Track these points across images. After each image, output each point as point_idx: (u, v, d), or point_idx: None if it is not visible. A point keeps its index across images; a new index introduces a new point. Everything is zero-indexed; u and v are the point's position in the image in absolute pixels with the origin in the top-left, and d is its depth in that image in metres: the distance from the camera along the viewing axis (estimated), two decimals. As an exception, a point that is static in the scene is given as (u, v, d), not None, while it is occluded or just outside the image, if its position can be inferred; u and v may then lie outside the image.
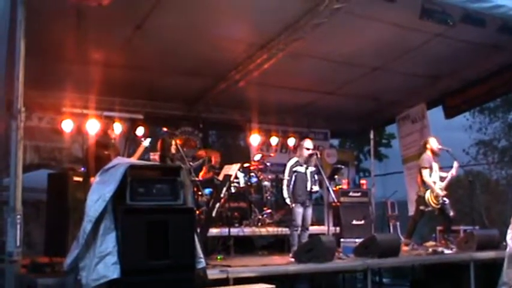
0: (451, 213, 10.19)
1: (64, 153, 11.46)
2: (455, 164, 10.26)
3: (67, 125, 10.97)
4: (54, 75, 9.98)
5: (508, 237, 8.47)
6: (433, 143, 10.32)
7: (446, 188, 10.11)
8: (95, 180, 6.19)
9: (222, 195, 9.31)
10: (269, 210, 11.18)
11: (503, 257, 8.51)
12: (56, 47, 8.91)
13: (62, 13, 7.87)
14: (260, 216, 10.90)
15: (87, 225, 5.66)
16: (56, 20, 8.06)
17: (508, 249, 8.42)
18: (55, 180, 8.22)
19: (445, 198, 10.05)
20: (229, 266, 7.34)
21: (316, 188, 9.38)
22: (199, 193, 10.00)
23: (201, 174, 11.03)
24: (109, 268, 5.47)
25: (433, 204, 9.99)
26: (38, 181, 9.32)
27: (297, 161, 9.32)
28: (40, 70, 9.12)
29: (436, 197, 9.96)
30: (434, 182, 10.08)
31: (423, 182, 10.12)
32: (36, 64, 8.08)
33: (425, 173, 10.07)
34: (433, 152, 10.29)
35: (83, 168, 8.88)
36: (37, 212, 9.56)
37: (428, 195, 9.99)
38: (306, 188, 9.21)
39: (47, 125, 11.20)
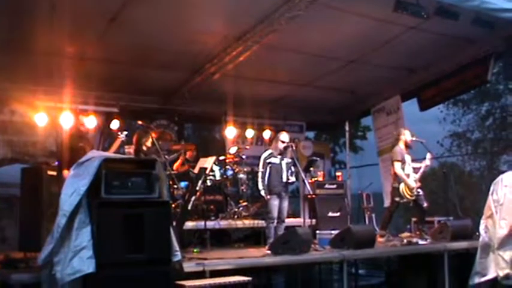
0: (425, 205, 10.27)
1: (38, 147, 11.29)
2: (428, 156, 10.33)
3: (41, 119, 10.84)
4: (27, 68, 9.83)
5: (481, 228, 8.56)
6: (407, 135, 10.37)
7: (420, 180, 10.20)
8: (69, 173, 6.14)
9: (197, 188, 9.29)
10: (245, 203, 11.19)
11: (477, 247, 8.59)
12: (28, 39, 8.78)
13: (34, 5, 7.79)
14: (236, 209, 10.91)
15: (61, 220, 5.61)
16: (28, 12, 7.96)
17: (481, 239, 8.50)
18: (29, 174, 8.12)
19: (419, 190, 10.14)
20: (205, 259, 7.34)
21: (292, 178, 9.39)
22: (175, 186, 9.97)
23: (175, 165, 11.00)
24: (84, 262, 5.43)
25: (408, 196, 10.05)
26: (11, 176, 9.24)
27: (271, 153, 9.34)
28: (12, 63, 9.02)
29: (410, 189, 10.05)
30: (408, 175, 10.13)
31: (396, 174, 10.20)
32: (8, 57, 8.00)
33: (397, 165, 10.12)
34: (406, 144, 10.35)
35: (57, 162, 8.79)
36: (11, 207, 9.48)
37: (402, 186, 10.05)
38: (282, 179, 9.23)
39: (19, 119, 11.03)
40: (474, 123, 20.23)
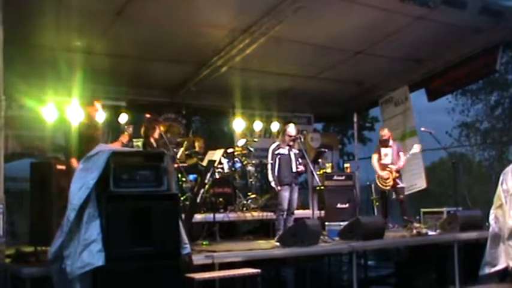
0: (401, 197, 10.81)
1: (46, 142, 11.33)
2: (415, 146, 11.12)
3: (49, 114, 10.86)
4: (35, 63, 9.88)
5: (490, 218, 8.52)
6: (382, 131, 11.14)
7: (398, 170, 10.80)
8: (77, 168, 6.14)
9: (206, 181, 9.29)
10: (254, 195, 11.19)
11: (486, 237, 8.56)
12: (36, 34, 8.83)
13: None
14: (245, 202, 10.91)
15: (71, 213, 5.62)
16: (36, 7, 7.98)
17: (490, 229, 8.47)
18: (38, 169, 8.15)
19: (398, 181, 10.72)
20: (214, 252, 7.35)
21: (301, 167, 9.40)
22: (184, 179, 9.98)
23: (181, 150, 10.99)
24: (94, 256, 5.44)
25: (380, 185, 10.89)
26: (20, 170, 9.27)
27: (279, 144, 9.37)
28: (20, 58, 9.03)
29: (383, 179, 10.78)
30: (385, 165, 10.79)
31: None
32: (16, 52, 8.01)
33: (373, 158, 10.99)
34: (380, 139, 11.05)
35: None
36: (21, 201, 9.49)
37: (376, 176, 10.91)
38: (291, 169, 9.25)
39: (28, 114, 11.04)
40: (483, 113, 20.15)
